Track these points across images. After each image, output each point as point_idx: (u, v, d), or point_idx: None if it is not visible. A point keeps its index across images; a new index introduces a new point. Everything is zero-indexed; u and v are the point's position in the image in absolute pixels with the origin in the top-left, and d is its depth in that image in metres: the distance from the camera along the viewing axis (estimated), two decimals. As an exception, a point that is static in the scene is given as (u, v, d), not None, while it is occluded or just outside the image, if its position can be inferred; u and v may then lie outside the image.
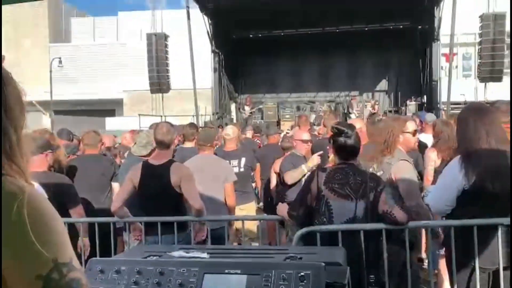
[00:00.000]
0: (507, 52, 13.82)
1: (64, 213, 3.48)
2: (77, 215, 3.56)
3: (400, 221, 2.61)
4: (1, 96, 0.89)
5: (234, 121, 17.25)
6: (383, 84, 19.48)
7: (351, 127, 2.77)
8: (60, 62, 23.79)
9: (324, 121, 5.36)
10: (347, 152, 2.72)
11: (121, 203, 3.46)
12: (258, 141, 8.43)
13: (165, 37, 15.82)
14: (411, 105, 16.77)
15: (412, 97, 17.15)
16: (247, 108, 18.30)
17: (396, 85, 18.79)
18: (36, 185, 0.84)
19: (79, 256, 3.47)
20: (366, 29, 16.67)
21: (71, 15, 29.57)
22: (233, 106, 19.15)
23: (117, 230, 4.13)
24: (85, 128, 5.31)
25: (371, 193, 2.64)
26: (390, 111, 17.35)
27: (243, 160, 5.19)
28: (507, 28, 13.78)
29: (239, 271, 1.64)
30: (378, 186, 2.67)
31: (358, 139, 2.76)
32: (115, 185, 4.50)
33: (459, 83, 20.27)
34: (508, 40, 13.90)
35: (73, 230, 3.53)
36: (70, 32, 28.54)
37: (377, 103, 17.72)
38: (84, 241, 3.54)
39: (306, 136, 5.04)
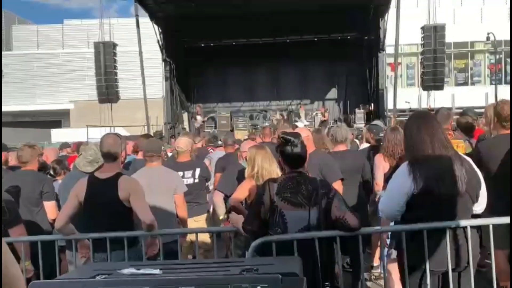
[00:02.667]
0: (446, 61, 14.64)
1: (3, 232, 3.25)
2: (17, 235, 3.32)
3: (353, 227, 2.64)
4: None
5: (187, 130, 17.04)
6: (333, 93, 20.05)
7: (297, 135, 2.79)
8: (1, 71, 22.54)
9: (278, 129, 5.38)
10: (295, 160, 2.73)
11: (66, 220, 3.27)
12: (211, 150, 8.34)
13: (114, 45, 15.44)
14: (360, 113, 17.34)
15: (361, 105, 17.74)
16: (199, 117, 18.17)
17: (345, 93, 19.40)
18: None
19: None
20: (316, 39, 17.11)
21: (12, 22, 28.19)
22: (185, 116, 18.95)
23: (64, 249, 3.90)
24: (29, 141, 5.02)
25: (323, 200, 2.66)
26: (339, 119, 17.83)
27: (198, 171, 5.09)
28: (447, 39, 14.60)
29: (193, 288, 1.57)
30: (330, 192, 2.69)
31: (304, 147, 2.78)
32: (47, 204, 4.28)
33: (403, 92, 21.24)
34: (448, 51, 14.72)
35: (14, 253, 3.29)
36: (11, 40, 27.17)
37: (327, 111, 18.20)
38: (27, 265, 3.31)
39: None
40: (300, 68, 19.41)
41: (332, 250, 2.83)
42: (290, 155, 2.72)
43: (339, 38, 17.22)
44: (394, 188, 2.68)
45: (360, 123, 16.25)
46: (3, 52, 25.90)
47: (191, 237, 4.62)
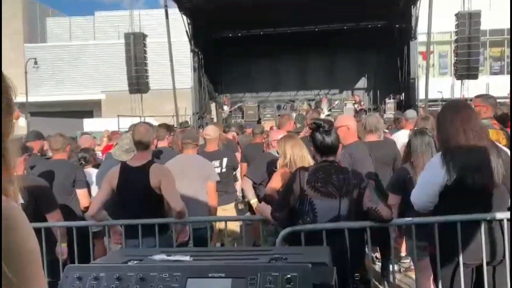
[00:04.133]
0: (481, 49, 14.12)
1: (41, 217, 3.37)
2: (55, 220, 3.44)
3: (385, 218, 2.61)
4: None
5: (215, 120, 17.16)
6: (362, 82, 19.70)
7: (329, 122, 2.75)
8: (36, 63, 23.24)
9: (306, 120, 5.33)
10: (326, 148, 2.70)
11: (99, 206, 3.36)
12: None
13: (143, 36, 15.62)
14: (390, 103, 16.99)
15: (391, 95, 17.38)
16: (226, 107, 18.23)
17: (374, 83, 19.03)
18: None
19: (57, 263, 3.36)
20: (345, 27, 16.80)
21: (46, 15, 28.93)
22: (213, 106, 19.05)
23: (97, 235, 4.02)
24: (62, 130, 5.17)
25: (355, 190, 2.63)
26: (369, 109, 17.52)
27: (225, 160, 5.12)
28: (482, 26, 14.07)
29: (223, 275, 1.58)
30: (362, 183, 2.66)
31: (336, 135, 2.74)
32: (79, 192, 4.39)
33: (436, 81, 20.65)
34: (483, 38, 14.19)
35: (51, 236, 3.42)
36: (45, 33, 27.91)
37: (361, 100, 17.83)
38: (62, 247, 3.43)
39: (282, 135, 4.98)
40: (329, 57, 19.14)
41: (361, 241, 2.81)
42: (321, 142, 2.69)
43: (369, 26, 16.84)
44: (426, 179, 2.62)
45: (390, 113, 15.93)
46: (38, 44, 26.68)
47: (219, 225, 4.68)
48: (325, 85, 19.27)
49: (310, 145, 3.02)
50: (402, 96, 17.06)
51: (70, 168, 4.45)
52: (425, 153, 3.24)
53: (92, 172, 4.79)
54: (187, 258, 1.84)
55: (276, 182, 3.69)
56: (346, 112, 16.44)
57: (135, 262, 1.81)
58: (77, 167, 4.59)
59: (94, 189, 4.50)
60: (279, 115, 17.15)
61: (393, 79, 17.91)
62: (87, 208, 4.06)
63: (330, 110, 16.62)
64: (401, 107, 16.27)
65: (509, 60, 26.00)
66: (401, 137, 5.18)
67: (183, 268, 1.66)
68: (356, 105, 17.18)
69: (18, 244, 0.76)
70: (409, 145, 3.45)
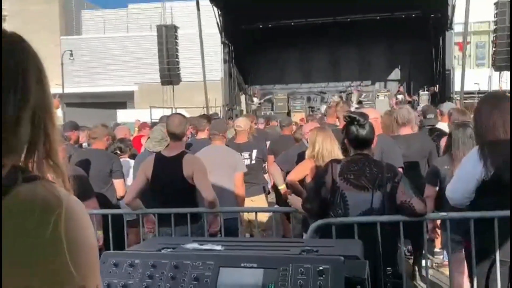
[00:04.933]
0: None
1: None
2: (91, 208, 3.56)
3: (419, 212, 2.56)
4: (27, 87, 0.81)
5: (244, 112, 17.20)
6: (395, 74, 19.27)
7: (364, 115, 2.71)
8: (72, 55, 23.91)
9: (337, 112, 5.27)
10: (360, 141, 2.67)
11: (134, 195, 3.45)
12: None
13: (175, 28, 15.79)
14: (424, 94, 16.57)
15: (425, 87, 16.93)
16: (255, 99, 18.24)
17: (408, 74, 18.56)
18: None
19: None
20: (378, 18, 16.43)
21: (82, 7, 29.64)
22: (242, 98, 19.10)
23: (131, 223, 4.13)
24: (96, 121, 5.32)
25: (388, 183, 2.59)
26: (401, 101, 17.12)
27: (255, 152, 5.15)
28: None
29: (255, 265, 1.60)
30: (396, 176, 2.61)
31: (372, 129, 2.70)
32: (116, 182, 4.50)
33: (472, 72, 19.95)
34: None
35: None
36: (81, 25, 28.64)
37: (404, 91, 17.30)
38: (98, 234, 3.54)
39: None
40: (361, 48, 18.79)
41: (394, 235, 2.77)
42: (355, 135, 2.66)
43: (403, 16, 16.41)
44: (463, 174, 2.55)
45: (423, 105, 15.54)
46: (73, 36, 27.42)
47: (248, 216, 4.71)
48: (356, 76, 18.95)
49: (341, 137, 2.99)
50: (437, 88, 16.59)
51: (107, 158, 4.56)
52: (466, 146, 3.16)
53: (127, 162, 4.90)
54: (219, 247, 1.86)
55: (298, 172, 3.69)
56: (379, 104, 16.14)
57: (169, 250, 1.86)
58: (114, 157, 4.71)
59: (130, 179, 4.61)
60: (310, 107, 17.10)
61: (427, 70, 17.43)
62: (122, 197, 4.17)
63: (360, 102, 16.33)
64: (435, 99, 15.85)
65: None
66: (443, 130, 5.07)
67: (216, 257, 1.69)
68: (400, 96, 16.73)
69: (80, 237, 0.76)
70: (450, 137, 3.37)
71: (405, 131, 4.41)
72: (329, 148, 3.58)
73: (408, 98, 16.68)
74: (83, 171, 3.74)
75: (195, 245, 1.93)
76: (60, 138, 0.88)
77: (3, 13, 25.09)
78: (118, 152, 5.11)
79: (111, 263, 1.70)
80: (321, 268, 1.53)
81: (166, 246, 1.92)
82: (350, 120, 2.66)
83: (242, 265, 1.61)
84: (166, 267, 1.66)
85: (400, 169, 3.82)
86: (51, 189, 0.76)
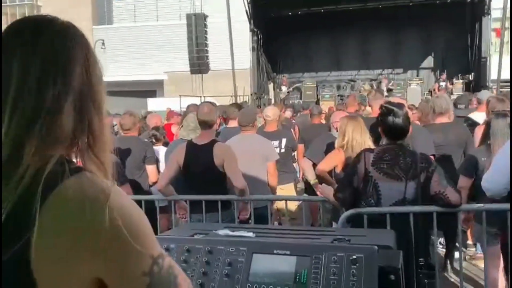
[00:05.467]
0: None
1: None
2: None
3: (454, 203, 2.51)
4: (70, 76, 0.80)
5: (272, 101, 17.15)
6: (429, 61, 18.71)
7: (401, 106, 2.67)
8: (103, 44, 24.36)
9: (369, 100, 5.19)
10: (396, 132, 2.63)
11: (167, 182, 3.52)
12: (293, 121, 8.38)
13: (204, 17, 15.81)
14: (459, 83, 16.06)
15: (459, 75, 16.40)
16: (284, 88, 18.14)
17: (442, 62, 18.00)
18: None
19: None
20: (411, 3, 15.96)
21: (113, -4, 30.06)
22: (270, 86, 19.02)
23: (163, 209, 4.21)
24: (128, 109, 5.41)
25: (422, 173, 2.55)
26: (434, 90, 16.68)
27: (284, 141, 5.15)
28: None
29: (288, 252, 1.61)
30: (430, 166, 2.57)
31: (408, 119, 2.65)
32: (149, 168, 4.58)
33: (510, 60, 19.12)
34: None
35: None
36: (112, 14, 29.09)
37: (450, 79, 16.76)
38: None
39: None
40: (393, 35, 18.31)
41: (427, 226, 2.73)
42: (390, 126, 2.62)
43: (437, 1, 15.88)
44: (502, 164, 2.47)
45: (458, 94, 15.08)
46: (105, 26, 27.90)
47: (277, 204, 4.73)
48: (388, 64, 18.51)
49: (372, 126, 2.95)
50: (472, 76, 16.05)
51: (141, 145, 4.65)
52: (506, 137, 3.05)
53: (160, 150, 4.99)
54: (250, 234, 1.88)
55: (328, 162, 3.66)
56: (410, 93, 15.77)
57: (201, 236, 1.89)
58: (148, 144, 4.79)
59: (162, 166, 4.69)
60: (339, 95, 16.87)
61: (462, 58, 16.86)
62: (154, 183, 4.25)
63: (389, 90, 15.94)
64: (470, 88, 15.35)
65: None
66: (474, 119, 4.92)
67: (249, 243, 1.71)
68: (444, 83, 16.24)
69: (135, 219, 0.80)
70: (488, 127, 3.26)
71: (442, 120, 4.29)
72: (359, 138, 3.53)
73: (449, 86, 16.17)
74: (116, 157, 3.83)
75: (226, 232, 1.95)
76: (107, 129, 0.87)
77: (38, 3, 25.78)
78: (154, 140, 5.20)
79: (147, 247, 1.74)
80: (354, 257, 1.52)
81: (199, 232, 1.95)
82: (387, 111, 2.62)
83: (275, 252, 1.62)
84: (200, 252, 1.69)
85: (432, 157, 3.77)
86: (95, 181, 0.77)
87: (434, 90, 15.54)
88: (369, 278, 1.48)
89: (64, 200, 0.73)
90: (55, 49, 0.79)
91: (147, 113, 8.86)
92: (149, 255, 0.80)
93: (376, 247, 1.56)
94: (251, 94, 17.42)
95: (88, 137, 0.84)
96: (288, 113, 9.31)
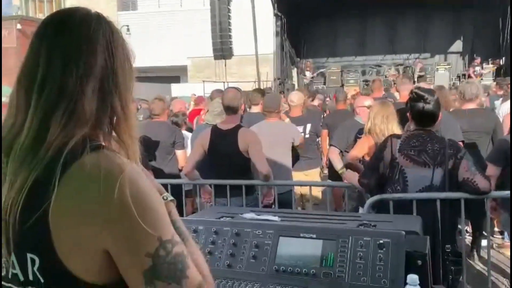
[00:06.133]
0: None
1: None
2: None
3: (483, 190, 2.46)
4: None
5: (296, 87, 17.01)
6: (457, 45, 18.15)
7: (432, 92, 2.62)
8: (128, 30, 24.54)
9: (396, 85, 5.09)
10: (426, 118, 2.58)
11: (192, 166, 3.57)
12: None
13: (228, 2, 15.73)
14: (488, 68, 15.56)
15: (490, 60, 15.88)
16: (308, 73, 17.94)
17: (471, 46, 17.45)
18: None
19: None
20: (440, -14, 15.48)
21: (137, -18, 30.19)
22: (294, 72, 18.86)
23: (188, 194, 4.28)
24: (152, 95, 5.47)
25: (450, 160, 2.51)
26: (463, 75, 16.22)
27: (308, 126, 5.13)
28: None
29: (314, 236, 1.62)
30: (458, 153, 2.52)
31: (438, 105, 2.60)
32: (179, 153, 4.64)
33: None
34: None
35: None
36: (136, 0, 29.26)
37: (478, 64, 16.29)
38: None
39: (368, 102, 4.83)
40: (420, 18, 17.79)
41: (454, 213, 2.70)
42: (420, 112, 2.58)
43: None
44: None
45: (487, 79, 14.64)
46: (129, 12, 28.11)
47: (301, 190, 4.74)
48: (415, 48, 18.05)
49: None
50: (502, 61, 15.51)
51: (170, 130, 4.71)
52: None
53: (185, 135, 5.05)
54: (276, 218, 1.90)
55: (358, 150, 3.62)
56: (438, 78, 15.38)
57: (228, 218, 1.92)
58: (176, 129, 4.85)
59: (188, 152, 4.75)
60: (364, 81, 16.59)
61: (492, 42, 16.29)
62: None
63: (420, 77, 15.53)
64: (501, 72, 14.86)
65: None
66: (505, 106, 4.78)
67: (276, 226, 1.73)
68: (478, 68, 15.75)
69: (145, 198, 0.82)
70: None
71: (471, 106, 4.18)
72: (387, 126, 3.46)
73: (482, 71, 15.67)
74: (140, 146, 3.90)
75: (252, 215, 1.98)
76: (131, 112, 0.91)
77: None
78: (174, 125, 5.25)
79: (175, 229, 1.79)
80: (381, 241, 1.53)
81: (225, 215, 1.99)
82: (417, 97, 2.57)
83: (302, 235, 1.64)
84: (228, 234, 1.72)
85: (461, 143, 3.69)
86: (113, 157, 0.82)
87: (468, 75, 15.07)
88: (396, 263, 1.48)
89: (81, 172, 0.79)
90: (77, 36, 0.85)
91: (171, 99, 8.95)
92: (157, 237, 0.80)
93: (403, 232, 1.56)
94: (274, 80, 17.32)
95: (111, 119, 0.89)
96: (317, 101, 9.24)
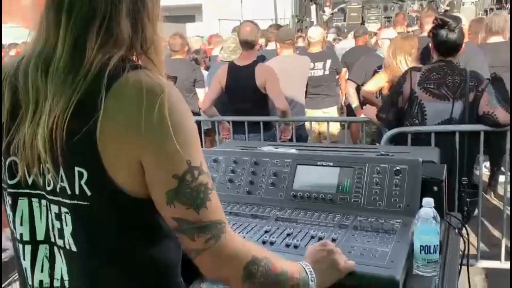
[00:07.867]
0: None
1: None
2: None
3: (501, 122, 2.43)
4: None
5: (315, 23, 16.47)
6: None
7: (457, 19, 2.51)
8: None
9: (421, 18, 4.87)
10: (448, 47, 2.50)
11: (210, 103, 3.60)
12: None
13: None
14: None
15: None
16: (327, 9, 17.28)
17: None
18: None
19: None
20: None
21: None
22: (313, 8, 18.17)
23: (207, 132, 4.33)
24: (167, 34, 5.38)
25: (471, 93, 2.46)
26: (491, 9, 15.37)
27: (328, 62, 5.01)
28: None
29: (331, 164, 1.66)
30: (480, 85, 2.47)
31: (462, 34, 2.51)
32: (199, 91, 4.63)
33: None
34: None
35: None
36: None
37: None
38: None
39: (392, 34, 4.66)
40: None
41: (472, 147, 2.69)
42: (443, 40, 2.48)
43: None
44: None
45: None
46: None
47: (319, 128, 4.75)
48: (440, -19, 17.08)
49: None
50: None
51: (191, 68, 4.68)
52: None
53: (203, 73, 5.02)
54: (293, 151, 1.94)
55: (374, 84, 3.56)
56: (464, 12, 14.65)
57: (246, 149, 1.97)
58: (197, 67, 4.81)
59: (206, 89, 4.75)
60: (386, 17, 15.94)
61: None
62: None
63: (445, 11, 14.79)
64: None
65: None
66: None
67: (293, 155, 1.76)
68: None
69: (183, 120, 0.85)
70: None
71: (497, 39, 4.01)
72: (405, 60, 3.36)
73: None
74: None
75: (270, 148, 2.02)
76: (160, 38, 0.93)
77: None
78: (194, 63, 5.22)
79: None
80: (398, 168, 1.55)
81: (244, 148, 2.03)
82: (442, 24, 2.47)
83: (319, 163, 1.67)
84: (247, 163, 1.77)
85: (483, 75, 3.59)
86: (154, 76, 0.85)
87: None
88: (412, 189, 1.51)
89: (125, 87, 0.82)
90: None
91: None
92: (186, 160, 0.82)
93: (420, 159, 1.57)
94: (292, 17, 16.76)
95: (142, 43, 0.90)
96: (331, 36, 8.95)
